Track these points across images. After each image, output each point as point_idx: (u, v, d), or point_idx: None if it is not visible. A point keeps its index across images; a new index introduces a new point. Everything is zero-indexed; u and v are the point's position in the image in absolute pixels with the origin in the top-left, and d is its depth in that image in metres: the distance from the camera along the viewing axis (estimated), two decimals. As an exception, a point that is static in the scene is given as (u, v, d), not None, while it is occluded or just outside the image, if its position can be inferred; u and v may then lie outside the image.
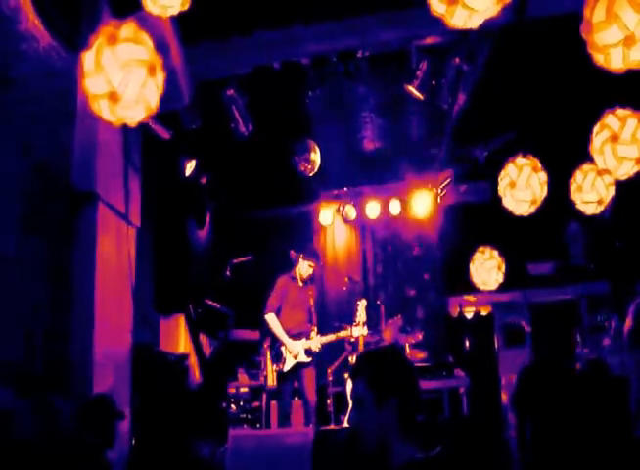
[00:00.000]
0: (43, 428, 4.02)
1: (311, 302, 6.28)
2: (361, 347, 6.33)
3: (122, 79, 3.32)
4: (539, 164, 5.01)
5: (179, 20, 4.46)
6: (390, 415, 1.92)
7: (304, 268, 6.32)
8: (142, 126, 5.00)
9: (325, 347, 6.48)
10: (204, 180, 7.70)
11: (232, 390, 7.02)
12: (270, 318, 6.21)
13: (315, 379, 6.22)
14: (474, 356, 8.00)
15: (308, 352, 6.12)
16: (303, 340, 6.14)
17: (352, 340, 6.60)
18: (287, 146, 7.14)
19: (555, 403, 3.84)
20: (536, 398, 4.04)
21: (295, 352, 6.08)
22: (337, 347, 6.90)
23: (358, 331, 6.24)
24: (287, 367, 6.09)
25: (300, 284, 6.35)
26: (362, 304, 6.43)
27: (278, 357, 6.17)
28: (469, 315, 8.34)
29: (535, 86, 6.12)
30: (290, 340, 6.11)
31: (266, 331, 6.41)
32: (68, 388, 4.44)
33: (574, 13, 3.16)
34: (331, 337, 6.24)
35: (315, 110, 6.52)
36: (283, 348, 6.14)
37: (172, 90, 4.42)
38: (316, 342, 6.14)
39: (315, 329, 6.19)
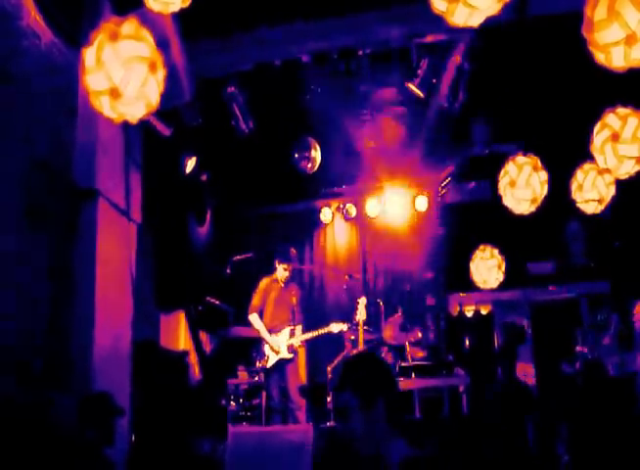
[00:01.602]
0: (44, 424, 4.03)
1: (294, 301, 6.47)
2: (361, 345, 6.35)
3: (123, 76, 3.32)
4: (540, 163, 5.01)
5: (180, 16, 4.45)
6: (379, 415, 1.99)
7: (280, 272, 6.56)
8: (143, 123, 5.00)
9: (325, 345, 6.57)
10: (204, 177, 7.69)
11: (232, 387, 7.04)
12: (253, 319, 6.48)
13: (298, 378, 6.45)
14: (474, 355, 8.00)
15: (290, 348, 6.33)
16: (286, 336, 6.35)
17: (352, 338, 6.63)
18: (287, 143, 7.15)
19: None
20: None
21: (276, 347, 6.27)
22: (337, 344, 6.93)
23: (337, 327, 6.38)
24: (270, 363, 6.31)
25: (282, 285, 6.55)
26: (362, 301, 6.48)
27: (262, 355, 6.41)
28: (469, 314, 8.33)
29: (536, 85, 6.12)
30: (271, 337, 6.34)
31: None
32: (69, 384, 4.44)
33: (575, 11, 3.15)
34: (311, 334, 6.42)
35: (316, 107, 6.52)
36: (266, 345, 6.36)
37: (173, 87, 4.41)
38: (298, 339, 6.36)
39: (299, 327, 6.38)
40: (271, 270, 6.72)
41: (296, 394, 6.29)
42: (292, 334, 6.37)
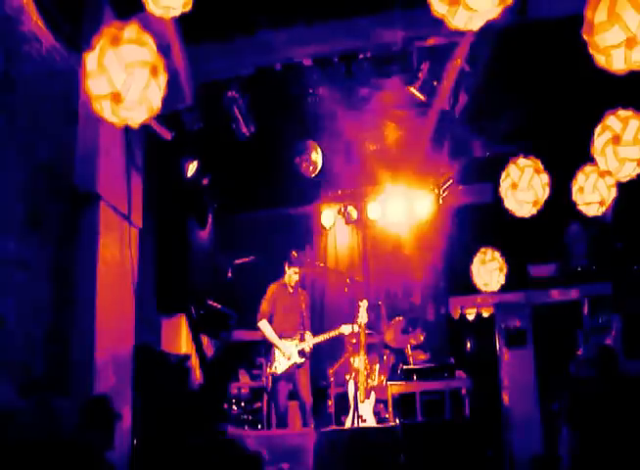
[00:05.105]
0: (44, 428, 4.02)
1: (303, 306, 6.46)
2: (363, 348, 6.35)
3: (125, 80, 3.33)
4: (541, 166, 5.01)
5: (181, 20, 4.46)
6: None
7: (290, 276, 6.53)
8: (144, 127, 4.99)
9: (326, 348, 6.56)
10: (205, 181, 7.69)
11: (233, 391, 7.03)
12: (263, 325, 6.45)
13: (310, 379, 6.39)
14: (475, 358, 7.99)
15: (301, 353, 6.32)
16: (296, 341, 6.32)
17: (354, 341, 6.63)
18: (288, 147, 7.16)
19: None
20: None
21: (287, 353, 6.25)
22: (338, 347, 6.92)
23: (347, 329, 6.38)
24: (281, 369, 6.26)
25: (291, 290, 6.51)
26: (363, 304, 6.47)
27: (272, 360, 6.35)
28: (470, 317, 8.32)
29: (537, 87, 6.12)
30: (282, 342, 6.32)
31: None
32: (70, 388, 4.44)
33: (576, 14, 3.16)
34: (322, 337, 6.39)
35: (317, 110, 6.53)
36: (277, 351, 6.30)
37: (174, 91, 4.43)
38: (309, 342, 6.34)
39: (308, 332, 6.36)
40: (279, 275, 6.67)
41: (309, 395, 6.27)
42: (302, 339, 6.34)
